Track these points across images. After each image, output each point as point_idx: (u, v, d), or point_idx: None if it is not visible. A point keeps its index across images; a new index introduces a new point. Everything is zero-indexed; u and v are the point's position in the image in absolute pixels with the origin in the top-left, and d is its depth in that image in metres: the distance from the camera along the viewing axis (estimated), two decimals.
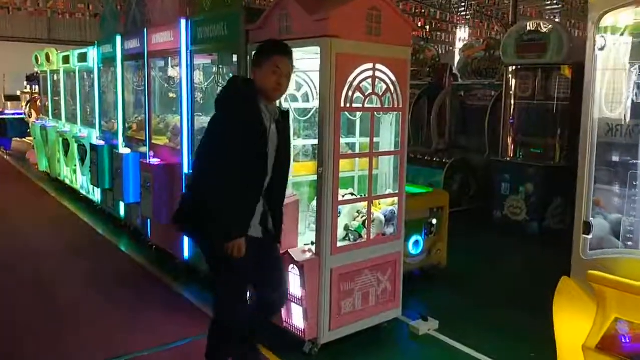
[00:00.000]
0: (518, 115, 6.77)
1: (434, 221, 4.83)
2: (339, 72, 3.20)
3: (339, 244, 3.42)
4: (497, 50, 7.89)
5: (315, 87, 4.24)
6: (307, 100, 4.24)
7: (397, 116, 3.81)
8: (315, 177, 4.38)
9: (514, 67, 6.71)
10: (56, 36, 19.89)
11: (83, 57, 7.67)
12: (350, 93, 3.29)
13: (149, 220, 5.53)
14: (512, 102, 6.82)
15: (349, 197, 3.75)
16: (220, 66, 4.53)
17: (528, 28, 6.27)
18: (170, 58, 5.30)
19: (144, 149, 5.60)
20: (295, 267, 3.33)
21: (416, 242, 4.68)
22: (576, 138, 6.79)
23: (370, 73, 3.38)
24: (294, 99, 4.12)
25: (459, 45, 18.05)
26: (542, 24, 6.16)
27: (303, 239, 3.63)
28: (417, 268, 4.79)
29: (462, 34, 20.09)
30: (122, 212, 6.42)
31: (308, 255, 3.34)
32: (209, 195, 2.66)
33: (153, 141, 5.50)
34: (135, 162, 5.60)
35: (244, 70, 3.95)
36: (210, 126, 2.78)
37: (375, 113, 3.55)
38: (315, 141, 4.35)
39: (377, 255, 3.62)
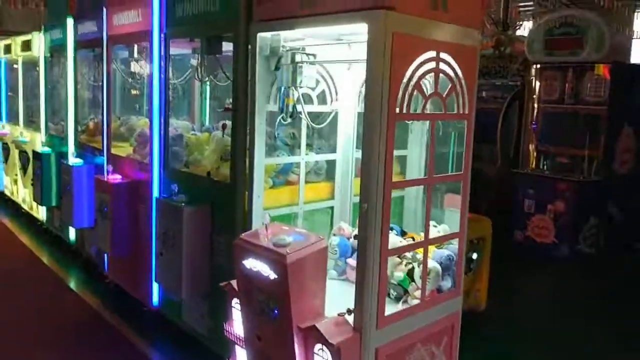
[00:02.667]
0: (544, 121, 5.89)
1: (474, 256, 3.87)
2: (396, 61, 2.16)
3: (387, 311, 2.38)
4: (508, 47, 7.02)
5: (334, 85, 3.19)
6: (324, 102, 3.19)
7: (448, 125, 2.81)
8: (331, 203, 3.39)
9: (538, 66, 5.83)
10: (6, 27, 18.06)
11: (27, 46, 6.34)
12: (407, 94, 2.26)
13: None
14: (535, 105, 5.94)
15: (402, 241, 2.72)
16: (206, 56, 3.40)
17: (560, 20, 5.40)
18: (137, 45, 4.13)
19: (101, 160, 4.41)
20: (325, 349, 2.27)
21: None
22: (613, 148, 6.08)
23: (432, 65, 2.35)
24: (308, 99, 3.06)
25: None
26: (578, 16, 5.29)
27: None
28: None
29: None
30: (72, 235, 5.18)
31: (344, 331, 2.28)
32: None
33: (113, 151, 4.32)
34: (90, 177, 4.40)
35: (242, 63, 2.87)
36: None
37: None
38: (331, 156, 3.34)
39: (431, 321, 2.60)
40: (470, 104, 2.57)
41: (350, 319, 2.32)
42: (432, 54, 2.33)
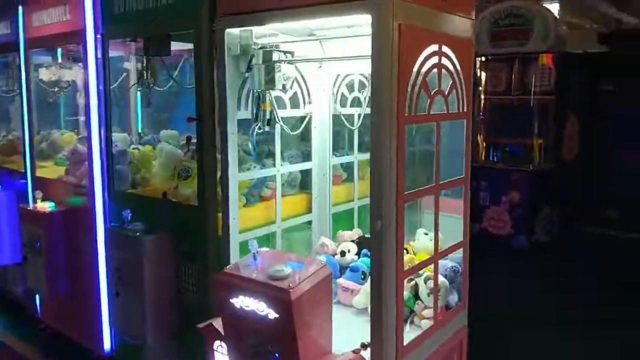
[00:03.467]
0: (492, 112, 5.90)
1: None
2: (404, 57, 1.87)
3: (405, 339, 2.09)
4: None
5: (306, 86, 2.86)
6: (296, 106, 2.85)
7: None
8: (309, 217, 3.06)
9: (483, 58, 5.81)
10: None
11: None
12: (415, 93, 1.98)
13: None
14: (482, 97, 5.93)
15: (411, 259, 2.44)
16: (151, 58, 2.94)
17: (506, 11, 5.38)
18: (61, 48, 3.55)
19: (23, 185, 3.77)
20: None
21: None
22: (561, 136, 6.20)
23: (435, 60, 2.09)
24: (281, 103, 2.71)
25: None
26: (524, 7, 5.30)
27: None
28: None
29: None
30: None
31: None
32: None
33: (38, 173, 3.70)
34: (11, 205, 3.74)
35: (206, 64, 2.45)
36: None
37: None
38: (307, 165, 3.01)
39: (443, 341, 2.35)
40: (468, 101, 2.35)
41: (366, 354, 2.02)
42: (435, 47, 2.07)
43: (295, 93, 2.80)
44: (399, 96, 1.89)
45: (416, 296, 2.43)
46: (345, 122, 3.07)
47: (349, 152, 3.23)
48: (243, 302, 2.06)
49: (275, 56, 2.33)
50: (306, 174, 3.06)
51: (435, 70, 2.08)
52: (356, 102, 3.12)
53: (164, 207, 2.88)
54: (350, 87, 3.07)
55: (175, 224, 2.78)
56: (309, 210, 3.05)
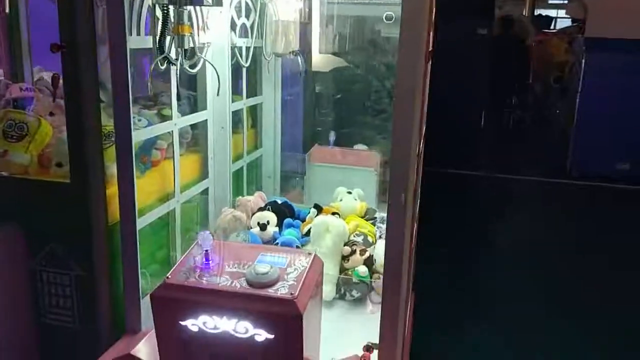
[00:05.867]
0: None
1: None
2: None
3: None
4: None
5: (201, 9, 2.09)
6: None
7: None
8: (206, 184, 2.35)
9: None
10: None
11: None
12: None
13: None
14: None
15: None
16: None
17: None
18: None
19: None
20: None
21: None
22: None
23: None
24: None
25: None
26: None
27: None
28: None
29: None
30: None
31: None
32: None
33: None
34: None
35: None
36: None
37: None
38: (202, 115, 2.28)
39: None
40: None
41: (374, 356, 1.61)
42: None
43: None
44: (427, 27, 1.42)
45: (371, 270, 2.09)
46: (239, 57, 2.42)
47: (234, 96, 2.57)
48: (206, 323, 1.41)
49: None
50: (197, 128, 2.33)
51: None
52: (244, 31, 2.48)
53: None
54: (239, 10, 2.40)
55: (28, 213, 1.79)
56: (205, 174, 2.35)
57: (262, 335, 1.38)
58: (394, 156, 1.44)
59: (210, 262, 1.48)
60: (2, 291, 1.74)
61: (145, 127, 1.92)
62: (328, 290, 1.96)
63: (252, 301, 1.37)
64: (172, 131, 2.02)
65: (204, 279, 1.44)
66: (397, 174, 1.44)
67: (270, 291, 1.38)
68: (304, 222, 2.31)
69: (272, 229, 2.25)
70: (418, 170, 1.55)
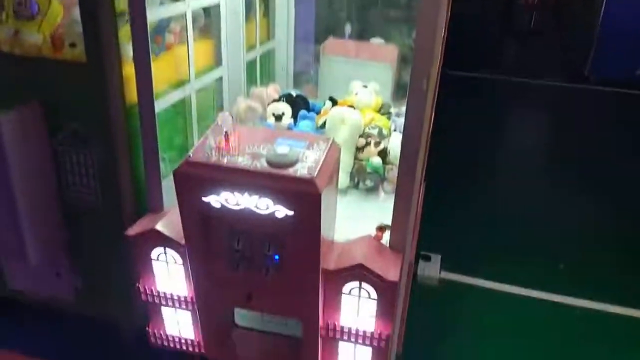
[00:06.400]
0: None
1: None
2: None
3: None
4: None
5: None
6: None
7: None
8: (219, 72, 2.31)
9: None
10: None
11: None
12: None
13: None
14: None
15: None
16: None
17: None
18: None
19: None
20: (366, 286, 1.61)
21: None
22: None
23: None
24: None
25: None
26: None
27: None
28: None
29: None
30: None
31: (390, 259, 1.62)
32: None
33: None
34: None
35: None
36: None
37: None
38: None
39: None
40: None
41: (387, 236, 1.68)
42: None
43: None
44: None
45: (385, 161, 2.12)
46: None
47: None
48: (227, 199, 1.46)
49: None
50: (209, 15, 2.25)
51: None
52: None
53: (15, 69, 1.82)
54: None
55: (48, 92, 1.78)
56: (218, 61, 2.31)
57: (281, 211, 1.44)
58: (420, 43, 1.40)
59: (231, 142, 1.50)
60: (28, 167, 1.79)
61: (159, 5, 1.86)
62: (342, 178, 2.00)
63: (273, 179, 1.41)
64: (186, 12, 1.95)
65: (225, 158, 1.47)
66: (420, 58, 1.41)
67: (290, 171, 1.42)
68: (319, 115, 2.31)
69: (287, 120, 2.25)
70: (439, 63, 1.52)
